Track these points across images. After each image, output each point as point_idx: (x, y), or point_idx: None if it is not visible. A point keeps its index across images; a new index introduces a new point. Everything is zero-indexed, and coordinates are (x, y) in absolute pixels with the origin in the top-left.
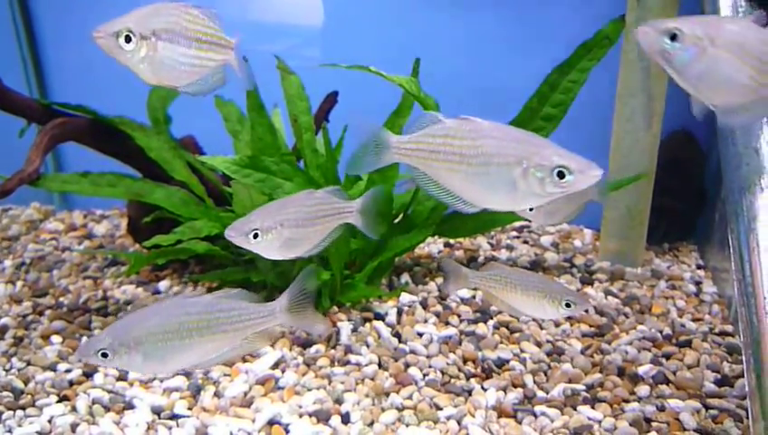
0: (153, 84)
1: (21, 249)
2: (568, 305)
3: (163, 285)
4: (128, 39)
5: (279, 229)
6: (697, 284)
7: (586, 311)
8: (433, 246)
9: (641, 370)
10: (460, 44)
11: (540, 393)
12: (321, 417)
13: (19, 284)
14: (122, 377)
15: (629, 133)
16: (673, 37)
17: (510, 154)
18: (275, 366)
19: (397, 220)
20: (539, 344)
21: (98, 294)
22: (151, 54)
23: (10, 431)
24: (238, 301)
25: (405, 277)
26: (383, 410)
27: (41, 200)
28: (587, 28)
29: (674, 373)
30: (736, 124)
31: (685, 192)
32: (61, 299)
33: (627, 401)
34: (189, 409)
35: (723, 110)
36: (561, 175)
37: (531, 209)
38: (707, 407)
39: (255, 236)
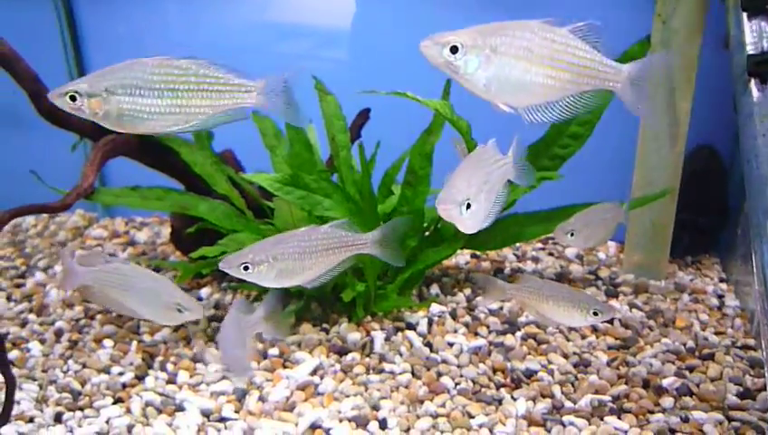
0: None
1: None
2: (595, 314)
3: (204, 292)
4: (72, 98)
5: (271, 262)
6: (720, 297)
7: (611, 322)
8: (460, 257)
9: (665, 382)
10: None
11: (568, 404)
12: (360, 422)
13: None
14: (171, 380)
15: (654, 151)
16: (454, 49)
17: None
18: (314, 373)
19: (427, 233)
20: (566, 356)
21: None
22: (107, 109)
23: (71, 432)
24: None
25: (434, 288)
26: (418, 417)
27: (85, 208)
28: (612, 47)
29: (697, 386)
30: (545, 122)
31: (708, 206)
32: None
33: (652, 412)
34: (236, 412)
35: (527, 111)
36: None
37: (571, 235)
38: (730, 419)
39: (246, 268)
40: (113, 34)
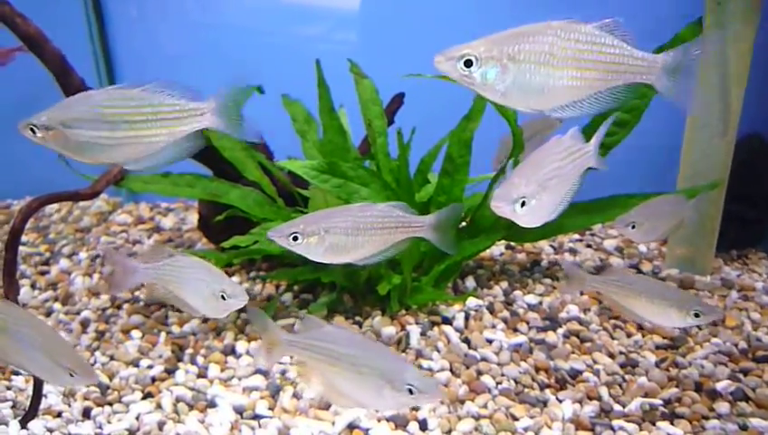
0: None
1: (94, 241)
2: (696, 315)
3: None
4: (33, 130)
5: (322, 235)
6: None
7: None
8: (495, 248)
9: (719, 386)
10: None
11: (616, 407)
12: (399, 423)
13: (96, 276)
14: (202, 374)
15: (703, 140)
16: (468, 63)
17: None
18: None
19: (464, 224)
20: (612, 356)
21: None
22: (65, 141)
23: (100, 428)
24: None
25: (469, 280)
26: (459, 418)
27: (109, 193)
28: (662, 30)
29: (753, 390)
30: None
31: (755, 198)
32: (136, 293)
33: (706, 418)
34: (270, 409)
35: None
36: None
37: (632, 227)
38: None
39: (295, 238)
40: (135, 16)
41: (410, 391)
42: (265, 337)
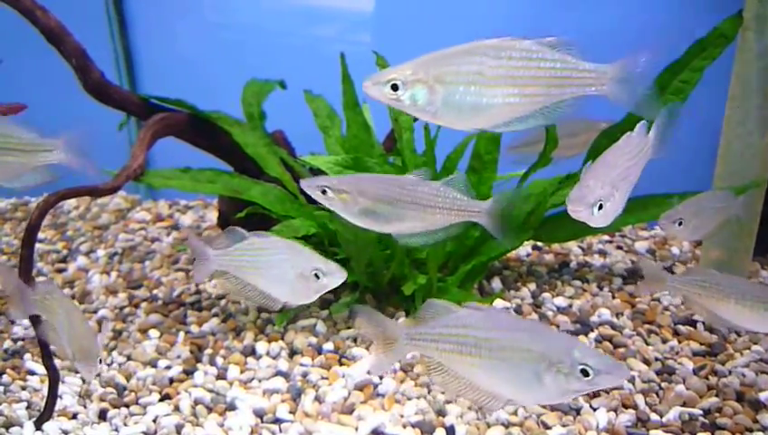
0: None
1: (112, 239)
2: None
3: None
4: None
5: (354, 196)
6: None
7: (693, 324)
8: (521, 249)
9: (763, 396)
10: (546, 33)
11: (654, 416)
12: (425, 429)
13: (113, 274)
14: (221, 376)
15: (741, 138)
16: (395, 87)
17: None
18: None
19: None
20: (647, 362)
21: (190, 287)
22: None
23: (117, 430)
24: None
25: (495, 282)
26: (489, 425)
27: (127, 190)
28: (701, 24)
29: None
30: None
31: None
32: (155, 292)
33: (750, 430)
34: (291, 413)
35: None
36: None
37: (679, 224)
38: None
39: (324, 192)
40: (156, 16)
41: (585, 373)
42: (379, 335)
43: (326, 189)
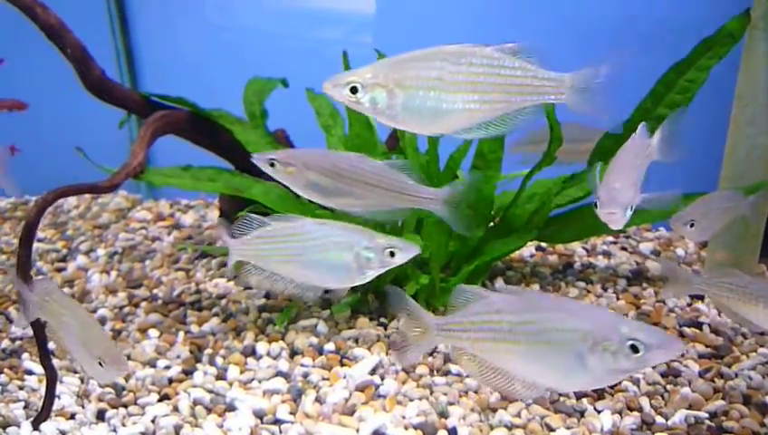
0: None
1: (112, 238)
2: None
3: (255, 279)
4: None
5: (300, 169)
6: None
7: (699, 327)
8: (524, 249)
9: None
10: (550, 32)
11: (659, 419)
12: (427, 431)
13: (113, 273)
14: (221, 376)
15: (748, 138)
16: (354, 89)
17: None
18: (373, 372)
19: (493, 223)
20: None
21: (191, 287)
22: None
23: (115, 431)
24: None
25: (499, 283)
26: (492, 427)
27: (128, 189)
28: (708, 23)
29: None
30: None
31: None
32: (155, 291)
33: (757, 434)
34: (292, 414)
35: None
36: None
37: (691, 225)
38: None
39: (272, 165)
40: (158, 15)
41: (634, 349)
42: (410, 323)
43: (274, 162)
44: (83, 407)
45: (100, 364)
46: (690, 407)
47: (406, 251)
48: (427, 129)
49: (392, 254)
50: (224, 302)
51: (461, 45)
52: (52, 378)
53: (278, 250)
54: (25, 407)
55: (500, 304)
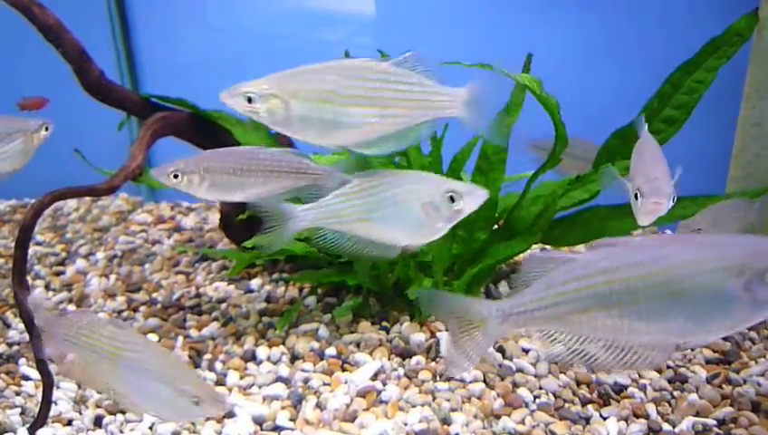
0: None
1: (112, 241)
2: None
3: (255, 283)
4: None
5: (201, 174)
6: None
7: None
8: (529, 252)
9: None
10: (555, 36)
11: (666, 426)
12: None
13: (113, 277)
14: (221, 382)
15: (756, 139)
16: (250, 99)
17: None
18: (375, 377)
19: (497, 226)
20: (658, 370)
21: (191, 291)
22: None
23: None
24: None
25: (503, 286)
26: (494, 434)
27: (128, 191)
28: (716, 23)
29: None
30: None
31: None
32: (154, 295)
33: None
34: (292, 420)
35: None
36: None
37: (699, 232)
38: None
39: (176, 176)
40: (158, 15)
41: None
42: (458, 322)
43: (177, 174)
44: (81, 413)
45: (195, 404)
46: (698, 414)
47: (469, 196)
48: (327, 140)
49: (452, 199)
50: (224, 306)
51: (359, 60)
52: (48, 383)
53: (351, 209)
54: (22, 413)
55: (597, 263)
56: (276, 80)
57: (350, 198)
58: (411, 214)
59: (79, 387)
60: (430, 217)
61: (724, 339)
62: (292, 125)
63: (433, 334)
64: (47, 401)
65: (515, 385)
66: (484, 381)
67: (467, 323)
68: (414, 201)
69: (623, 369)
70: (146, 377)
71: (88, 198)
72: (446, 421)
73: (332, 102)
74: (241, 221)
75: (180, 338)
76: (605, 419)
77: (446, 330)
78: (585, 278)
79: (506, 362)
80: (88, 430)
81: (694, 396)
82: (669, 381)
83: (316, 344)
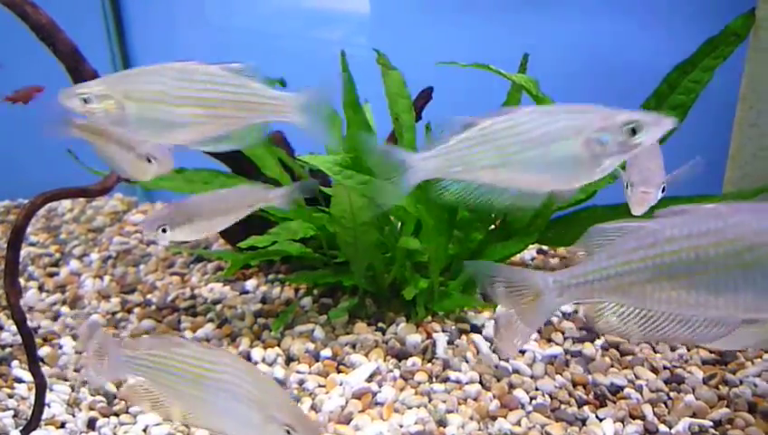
0: None
1: (106, 242)
2: None
3: (250, 284)
4: None
5: (188, 224)
6: None
7: None
8: (526, 252)
9: None
10: (547, 35)
11: (662, 428)
12: None
13: (107, 278)
14: None
15: (753, 140)
16: (86, 100)
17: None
18: (370, 379)
19: (494, 226)
20: (655, 370)
21: (185, 292)
22: None
23: None
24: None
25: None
26: None
27: (123, 192)
28: (712, 23)
29: None
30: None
31: None
32: (149, 296)
33: None
34: None
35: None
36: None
37: None
38: None
39: (164, 230)
40: (154, 14)
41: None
42: (511, 297)
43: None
44: (74, 416)
45: (288, 432)
46: (694, 415)
47: (655, 126)
48: (161, 138)
49: (633, 131)
50: (219, 307)
51: (188, 62)
52: (41, 386)
53: (485, 154)
54: (15, 416)
55: (670, 231)
56: (111, 81)
57: (482, 140)
58: (567, 153)
59: (73, 389)
60: (595, 154)
61: None
62: (128, 124)
63: (429, 335)
64: (40, 404)
65: (511, 386)
66: (480, 382)
67: (521, 297)
68: (574, 137)
69: (680, 343)
70: (234, 401)
71: (82, 199)
72: (441, 423)
73: (164, 103)
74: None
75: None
76: (601, 420)
77: (496, 304)
78: (652, 247)
79: (502, 364)
80: (81, 432)
81: (690, 397)
82: (666, 382)
83: (311, 346)
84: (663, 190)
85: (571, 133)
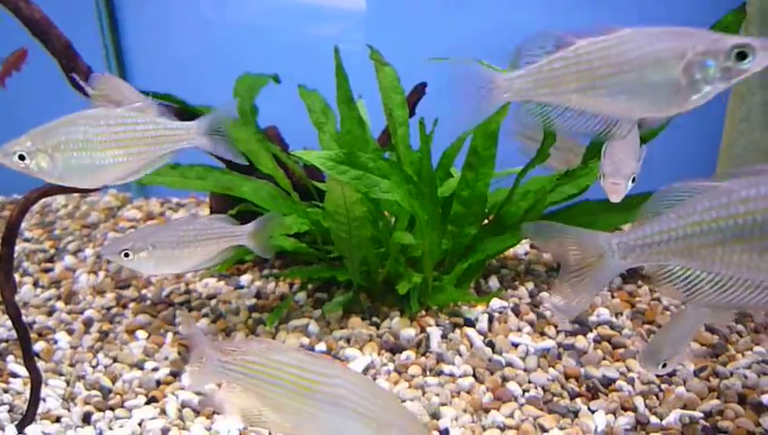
0: None
1: (101, 237)
2: None
3: (245, 279)
4: None
5: (150, 250)
6: None
7: None
8: (519, 247)
9: (765, 398)
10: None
11: (653, 419)
12: None
13: (101, 274)
14: None
15: (744, 134)
16: (21, 157)
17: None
18: (365, 372)
19: (487, 221)
20: None
21: (180, 287)
22: None
23: (101, 434)
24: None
25: (493, 280)
26: (484, 428)
27: (117, 187)
28: (702, 17)
29: None
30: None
31: None
32: (144, 291)
33: (752, 434)
34: None
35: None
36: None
37: None
38: None
39: (126, 255)
40: (147, 10)
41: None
42: (573, 255)
43: (128, 253)
44: (69, 410)
45: None
46: (685, 406)
47: (766, 52)
48: (90, 182)
49: (743, 56)
50: (213, 302)
51: (97, 109)
52: (36, 380)
53: (576, 76)
54: (10, 410)
55: (745, 191)
56: (38, 136)
57: (572, 61)
58: (664, 78)
59: (68, 384)
60: (695, 80)
61: (712, 332)
62: (59, 174)
63: (423, 329)
64: (35, 399)
65: (504, 379)
66: (474, 375)
67: (583, 259)
68: (674, 61)
69: (749, 310)
70: (346, 416)
71: (77, 194)
72: (435, 416)
73: (88, 149)
74: (231, 217)
75: (170, 335)
76: (593, 412)
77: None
78: (726, 208)
79: (496, 357)
80: (76, 426)
81: (681, 389)
82: (657, 375)
83: (306, 340)
84: (633, 181)
85: (672, 56)
